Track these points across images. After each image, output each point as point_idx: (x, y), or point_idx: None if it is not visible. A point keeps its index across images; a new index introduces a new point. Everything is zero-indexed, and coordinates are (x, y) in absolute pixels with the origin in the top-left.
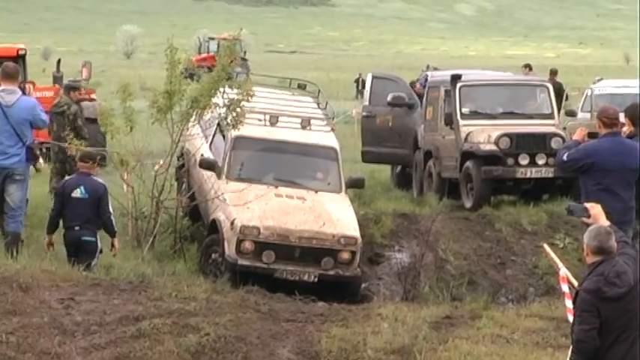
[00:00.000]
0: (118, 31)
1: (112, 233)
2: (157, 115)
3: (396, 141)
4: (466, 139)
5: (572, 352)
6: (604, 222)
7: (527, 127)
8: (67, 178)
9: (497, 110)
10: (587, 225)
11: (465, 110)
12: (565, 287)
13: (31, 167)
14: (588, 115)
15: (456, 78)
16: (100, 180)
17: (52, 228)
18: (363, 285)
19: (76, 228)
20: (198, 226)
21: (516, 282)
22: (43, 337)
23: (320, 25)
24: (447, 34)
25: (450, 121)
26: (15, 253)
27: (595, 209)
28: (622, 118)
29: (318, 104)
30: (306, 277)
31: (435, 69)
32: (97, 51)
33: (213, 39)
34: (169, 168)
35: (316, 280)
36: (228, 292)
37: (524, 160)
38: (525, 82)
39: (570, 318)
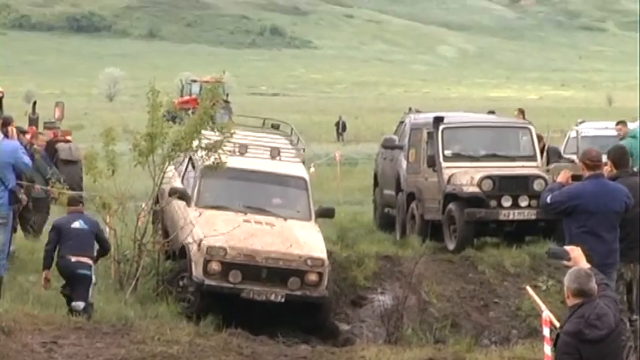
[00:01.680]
0: (101, 73)
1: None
2: (139, 158)
3: (391, 183)
4: (449, 181)
5: None
6: (584, 264)
7: (509, 169)
8: (60, 217)
9: (480, 152)
10: (569, 268)
11: (447, 152)
12: (547, 331)
13: None
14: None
15: (438, 120)
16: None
17: (48, 263)
18: (346, 327)
19: (72, 259)
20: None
21: (499, 324)
22: None
23: (302, 67)
24: (429, 76)
25: (432, 163)
26: None
27: (575, 252)
28: (604, 159)
29: (290, 141)
30: (272, 297)
31: (418, 111)
32: (80, 94)
33: (195, 81)
34: (151, 211)
35: (283, 300)
36: (211, 335)
37: (506, 202)
38: (508, 124)
39: None
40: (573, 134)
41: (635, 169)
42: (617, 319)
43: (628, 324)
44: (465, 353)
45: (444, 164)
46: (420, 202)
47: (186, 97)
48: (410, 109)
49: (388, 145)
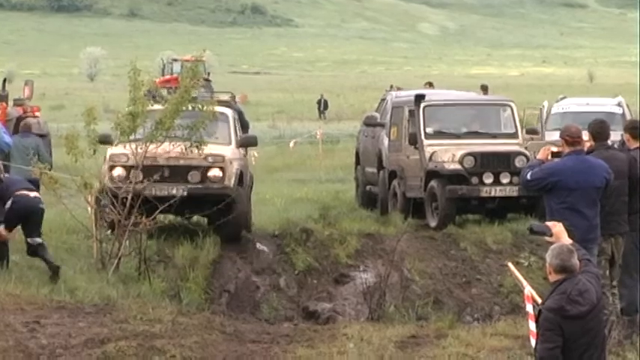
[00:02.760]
0: (82, 53)
1: None
2: (121, 138)
3: (373, 161)
4: (430, 158)
5: None
6: (566, 240)
7: (491, 146)
8: None
9: (462, 130)
10: (550, 244)
11: (429, 130)
12: (529, 307)
13: None
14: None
15: (419, 98)
16: None
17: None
18: (329, 305)
19: (31, 195)
20: (164, 248)
21: (482, 301)
22: None
23: (284, 45)
24: (410, 54)
25: (414, 140)
26: None
27: (557, 228)
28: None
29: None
30: (174, 192)
31: (399, 89)
32: (61, 74)
33: (176, 60)
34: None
35: (185, 193)
36: (193, 313)
37: (488, 179)
38: (489, 101)
39: (533, 341)
40: (555, 110)
41: (615, 145)
42: (599, 294)
43: (611, 298)
44: (447, 330)
45: (425, 142)
46: (402, 180)
47: (168, 76)
48: (391, 86)
49: (370, 123)
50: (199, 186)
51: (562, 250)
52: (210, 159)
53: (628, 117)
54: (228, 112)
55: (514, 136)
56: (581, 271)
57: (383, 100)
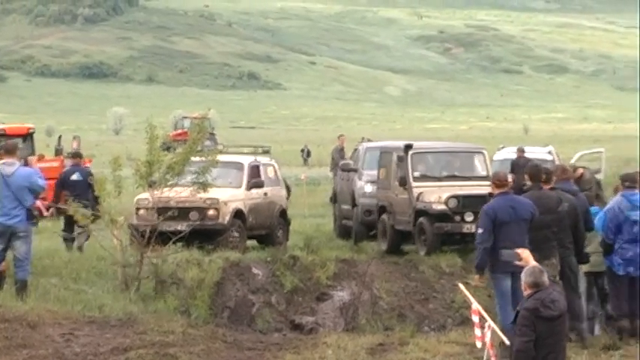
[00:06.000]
0: (109, 112)
1: None
2: (139, 181)
3: (347, 199)
4: (418, 198)
5: None
6: (533, 262)
7: (470, 189)
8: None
9: (442, 173)
10: (519, 267)
11: (416, 174)
12: (475, 318)
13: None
14: None
15: (408, 147)
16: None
17: None
18: (312, 318)
19: None
20: (176, 272)
21: (437, 314)
22: None
23: (274, 105)
24: (378, 112)
25: (403, 182)
26: (24, 297)
27: (525, 254)
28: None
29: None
30: (179, 227)
31: (369, 140)
32: (92, 129)
33: (186, 117)
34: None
35: (187, 229)
36: (200, 326)
37: (469, 217)
38: (465, 149)
39: (479, 344)
40: (496, 157)
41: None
42: (565, 306)
43: None
44: (409, 338)
45: (413, 184)
46: (391, 215)
47: (179, 131)
48: (362, 138)
49: (345, 169)
50: (197, 223)
51: (535, 270)
52: (207, 202)
53: (557, 163)
54: (245, 161)
55: (486, 178)
56: (552, 287)
57: (355, 149)
